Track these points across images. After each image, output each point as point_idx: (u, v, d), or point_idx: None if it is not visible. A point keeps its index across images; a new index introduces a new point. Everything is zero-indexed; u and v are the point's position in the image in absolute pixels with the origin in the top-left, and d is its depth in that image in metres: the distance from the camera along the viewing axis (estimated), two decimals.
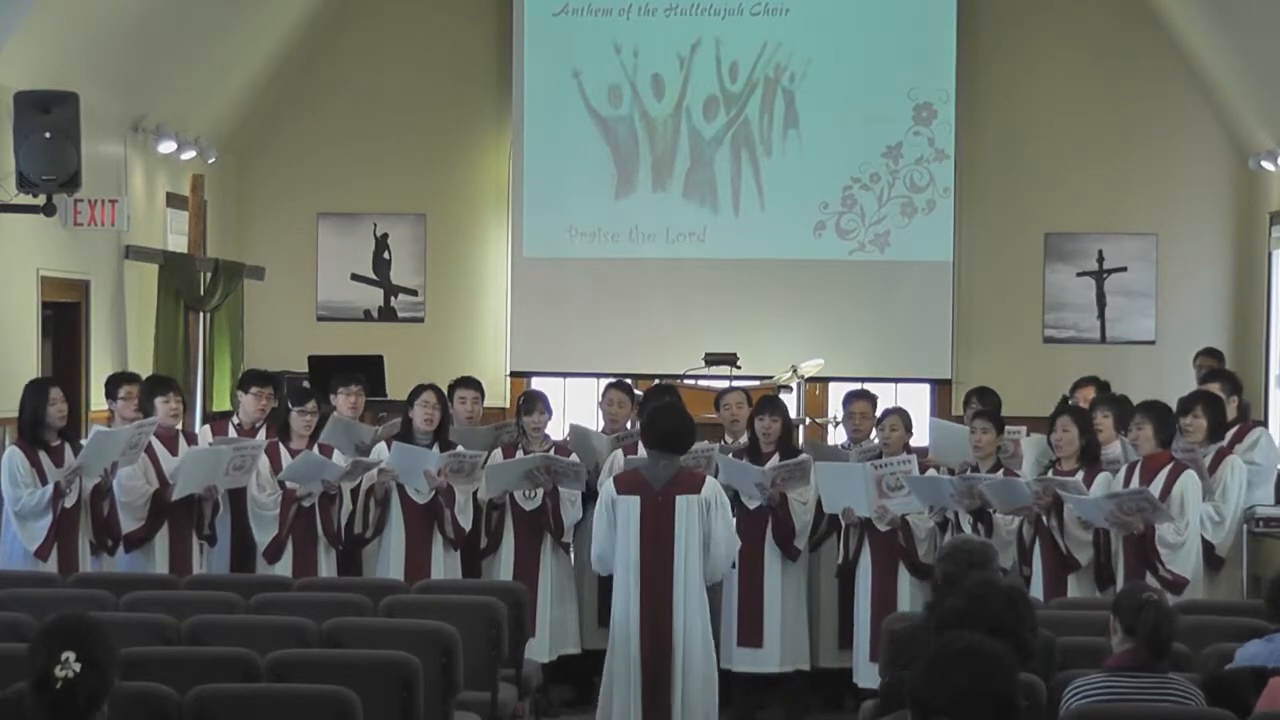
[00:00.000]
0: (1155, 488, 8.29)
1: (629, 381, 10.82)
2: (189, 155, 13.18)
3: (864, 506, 8.89)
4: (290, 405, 9.36)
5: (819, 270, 14.46)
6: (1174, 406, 8.90)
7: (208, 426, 10.35)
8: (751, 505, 9.12)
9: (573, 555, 9.53)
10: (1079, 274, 14.59)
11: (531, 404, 9.61)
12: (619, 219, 14.58)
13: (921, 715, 3.97)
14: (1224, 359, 12.12)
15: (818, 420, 13.36)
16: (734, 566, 8.54)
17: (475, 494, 9.30)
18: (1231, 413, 9.36)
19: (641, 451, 8.65)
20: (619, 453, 9.42)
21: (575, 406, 14.10)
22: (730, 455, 9.31)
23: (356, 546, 9.31)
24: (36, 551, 8.51)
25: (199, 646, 6.64)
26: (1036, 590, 8.39)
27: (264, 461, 9.12)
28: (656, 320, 14.45)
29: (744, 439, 9.67)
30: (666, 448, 7.90)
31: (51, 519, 8.52)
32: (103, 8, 11.18)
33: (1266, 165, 13.24)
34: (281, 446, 9.23)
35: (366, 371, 10.93)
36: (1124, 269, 14.55)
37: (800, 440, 10.96)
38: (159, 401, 9.20)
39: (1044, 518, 8.53)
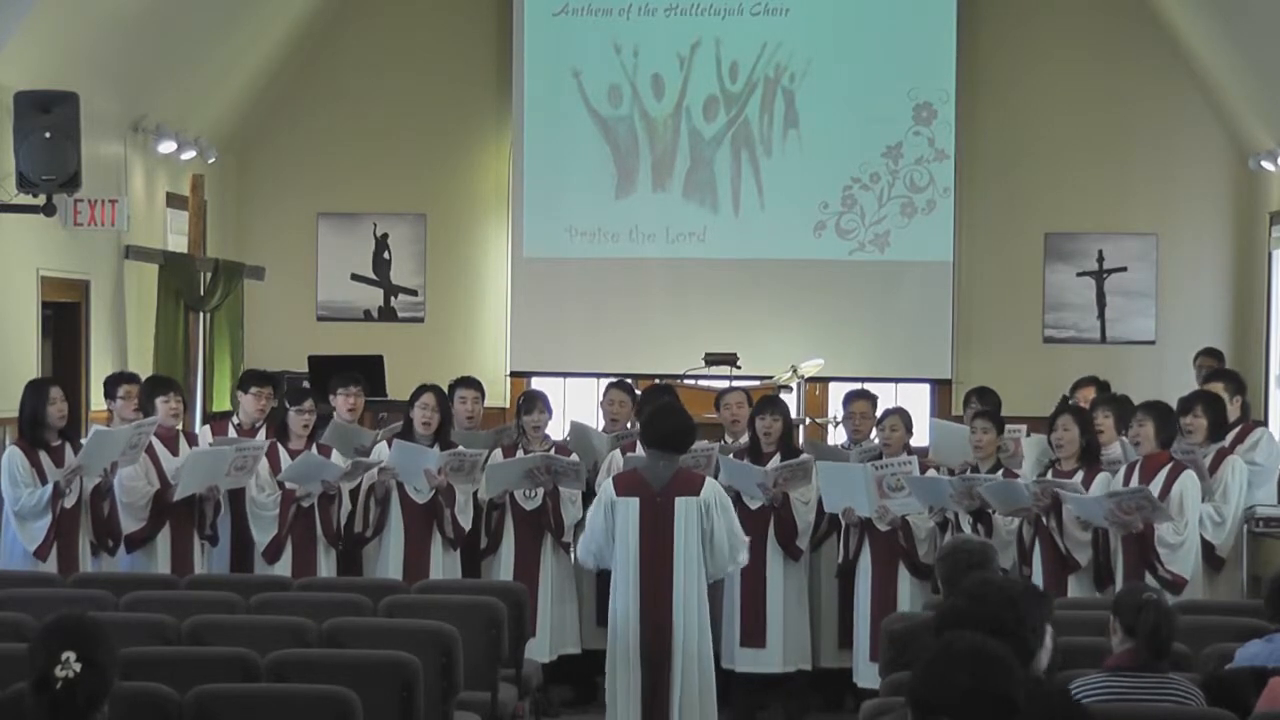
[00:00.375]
0: (1155, 488, 8.29)
1: (630, 381, 10.82)
2: (189, 155, 13.18)
3: (864, 506, 8.89)
4: (288, 405, 9.36)
5: (819, 270, 14.46)
6: (1174, 406, 8.90)
7: (208, 427, 10.35)
8: (754, 506, 9.12)
9: (573, 555, 9.53)
10: (1079, 274, 14.59)
11: (531, 404, 9.61)
12: (619, 219, 14.58)
13: (921, 715, 3.97)
14: (1224, 359, 12.13)
15: (818, 420, 13.37)
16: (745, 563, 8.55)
17: (475, 494, 9.30)
18: (1234, 413, 9.36)
19: (640, 450, 8.65)
20: (617, 452, 9.42)
21: (575, 406, 14.10)
22: (731, 455, 9.31)
23: (356, 546, 9.31)
24: (36, 551, 8.51)
25: (199, 646, 6.64)
26: None
27: (263, 462, 9.12)
28: (656, 320, 14.45)
29: (744, 439, 9.67)
30: (666, 448, 7.89)
31: (51, 519, 8.52)
32: (103, 8, 11.18)
33: (1266, 165, 13.24)
34: (280, 447, 9.23)
35: (366, 372, 10.93)
36: (1124, 269, 14.55)
37: (800, 440, 10.96)
38: (159, 401, 9.20)
39: (1043, 519, 8.53)
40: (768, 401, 9.63)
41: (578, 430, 9.89)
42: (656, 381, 11.89)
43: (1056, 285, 14.63)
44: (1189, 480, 8.39)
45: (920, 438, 9.87)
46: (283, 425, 9.33)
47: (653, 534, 7.76)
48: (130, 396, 9.18)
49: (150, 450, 8.98)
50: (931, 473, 9.05)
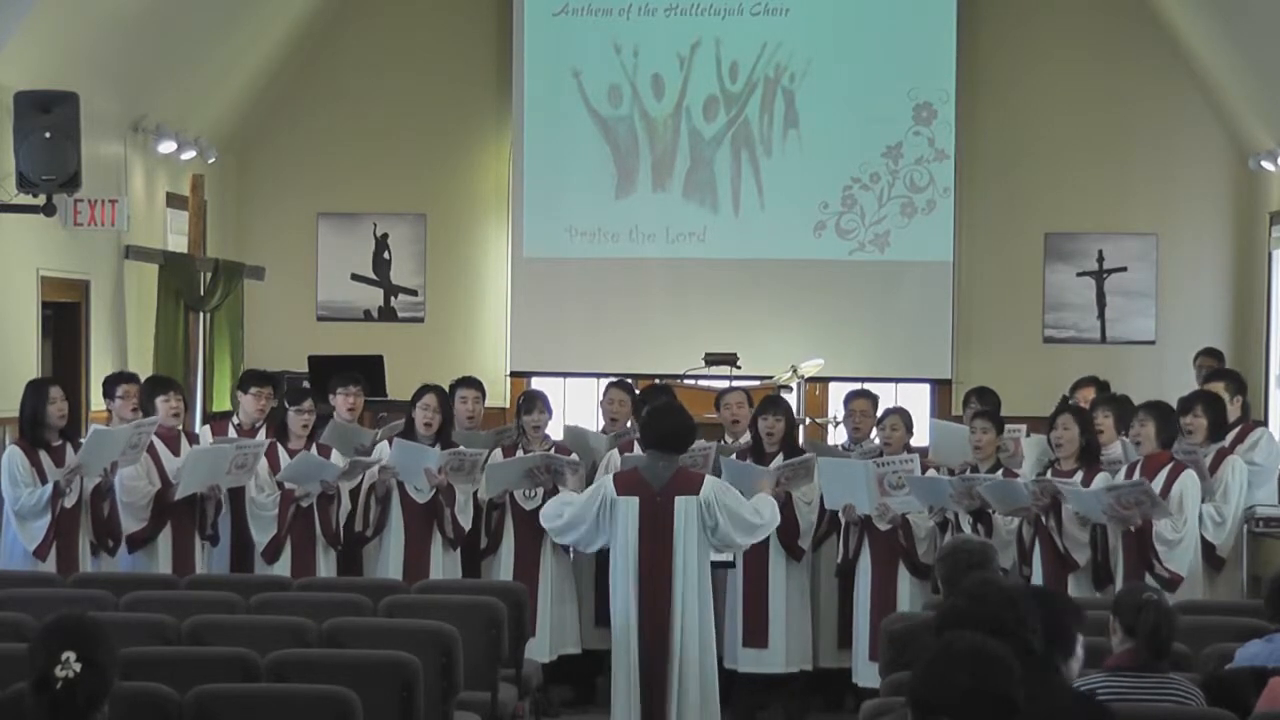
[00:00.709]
0: (1155, 487, 8.29)
1: (630, 381, 10.82)
2: (189, 155, 13.18)
3: (865, 504, 8.89)
4: (288, 405, 9.36)
5: (819, 270, 14.46)
6: (1174, 406, 8.90)
7: (208, 427, 10.35)
8: None
9: (572, 555, 9.53)
10: (1079, 274, 14.59)
11: (531, 403, 9.61)
12: (619, 219, 14.58)
13: (921, 715, 3.97)
14: (1224, 359, 12.12)
15: (818, 420, 13.37)
16: (731, 566, 8.54)
17: (475, 494, 9.30)
18: (1235, 413, 9.37)
19: (638, 450, 8.66)
20: (615, 451, 9.42)
21: (575, 406, 14.10)
22: (734, 456, 9.31)
23: (357, 545, 9.31)
24: (35, 551, 8.52)
25: (199, 646, 6.64)
26: None
27: (262, 462, 9.12)
28: (656, 320, 14.45)
29: (744, 439, 9.67)
30: (665, 448, 7.89)
31: (50, 518, 8.52)
32: (103, 8, 11.18)
33: (1266, 165, 13.24)
34: (280, 447, 9.23)
35: (366, 371, 10.93)
36: (1124, 269, 14.55)
37: (800, 441, 10.96)
38: (160, 401, 9.20)
39: (1042, 518, 8.53)
40: (771, 402, 9.63)
41: (573, 434, 9.89)
42: (656, 381, 11.89)
43: (1056, 285, 14.63)
44: (1189, 479, 8.39)
45: (920, 438, 9.86)
46: (282, 425, 9.34)
47: (652, 533, 7.76)
48: (129, 396, 9.18)
49: (151, 450, 8.98)
50: (931, 473, 9.05)
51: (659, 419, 8.05)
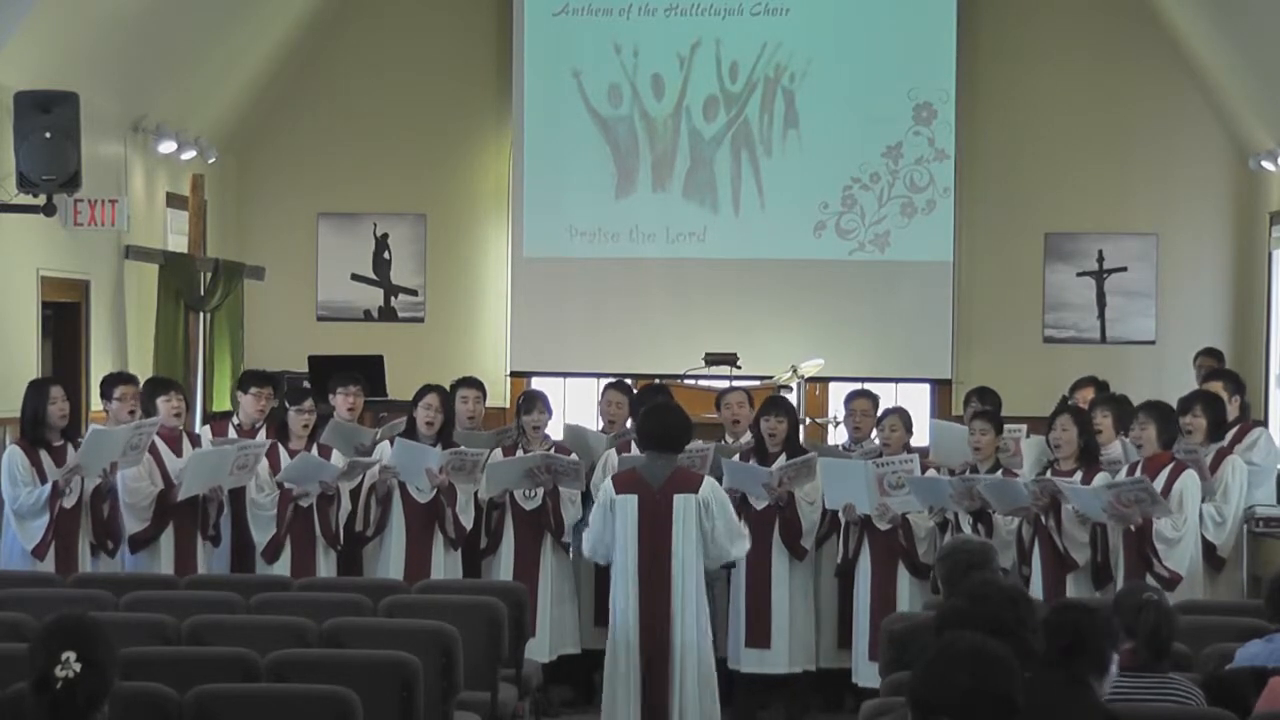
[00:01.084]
0: (1156, 487, 8.29)
1: (629, 382, 10.82)
2: (189, 155, 13.18)
3: (865, 504, 8.89)
4: (288, 405, 9.36)
5: (819, 270, 14.46)
6: (1175, 406, 8.90)
7: (208, 427, 10.35)
8: (759, 506, 9.11)
9: (572, 555, 9.53)
10: (1079, 274, 14.59)
11: (531, 403, 9.62)
12: (619, 219, 14.58)
13: (921, 715, 3.97)
14: (1224, 359, 12.12)
15: (818, 420, 13.37)
16: (734, 566, 8.53)
17: (475, 494, 9.30)
18: (1233, 412, 9.37)
19: (635, 450, 8.66)
20: (612, 451, 9.42)
21: (575, 406, 14.10)
22: (736, 456, 9.31)
23: (357, 545, 9.31)
24: (34, 550, 8.52)
25: (199, 646, 6.64)
26: (1036, 590, 8.39)
27: (262, 462, 9.12)
28: (656, 320, 14.45)
29: (744, 439, 9.67)
30: (662, 447, 7.90)
31: (49, 518, 8.52)
32: (103, 8, 11.18)
33: (1266, 165, 13.24)
34: (280, 447, 9.23)
35: (366, 371, 10.92)
36: (1124, 269, 14.55)
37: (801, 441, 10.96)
38: (161, 401, 9.19)
39: (1042, 518, 8.53)
40: (773, 403, 9.63)
41: (573, 432, 9.89)
42: (655, 381, 11.89)
43: (1056, 285, 14.63)
44: (1190, 479, 8.39)
45: (920, 438, 9.86)
46: (283, 425, 9.33)
47: (651, 531, 7.77)
48: (126, 398, 9.15)
49: (153, 450, 8.97)
50: (931, 473, 9.05)
51: (654, 418, 8.07)
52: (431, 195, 14.94)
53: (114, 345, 12.11)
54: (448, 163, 14.91)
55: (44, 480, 8.56)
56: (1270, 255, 13.59)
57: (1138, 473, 8.48)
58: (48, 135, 9.34)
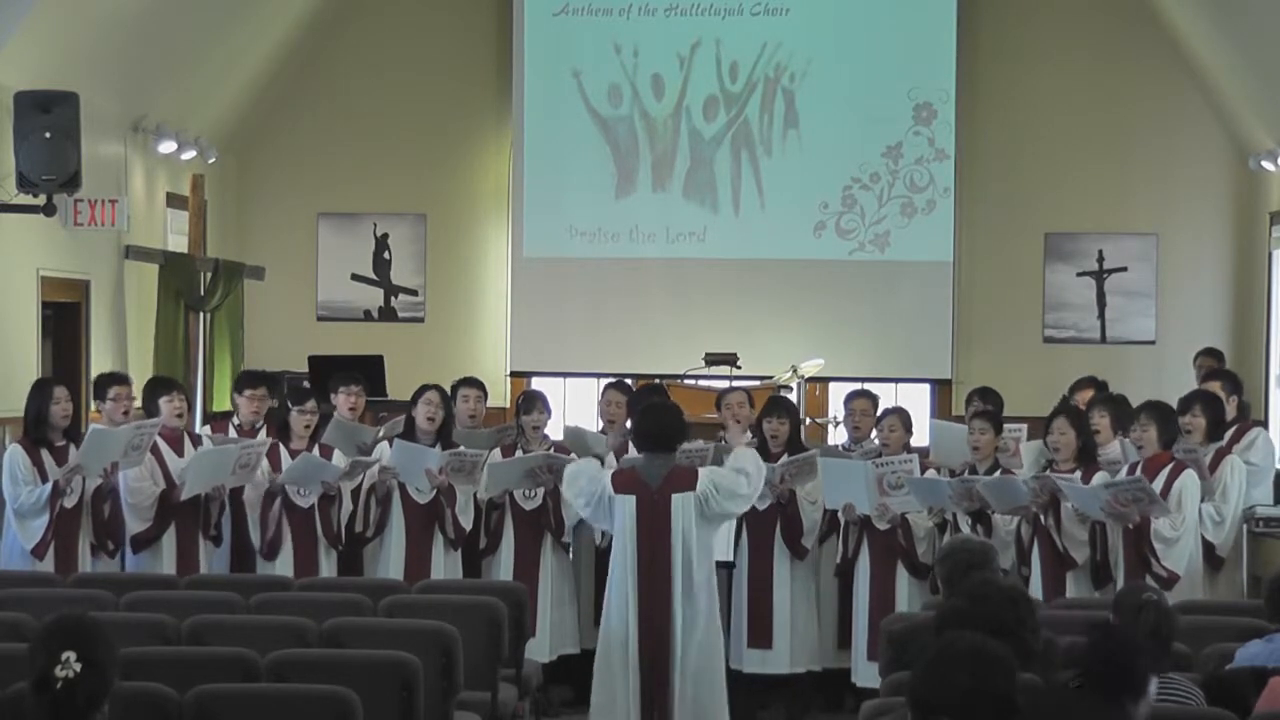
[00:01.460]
0: (1156, 487, 8.29)
1: (629, 382, 10.82)
2: (189, 155, 13.18)
3: (864, 504, 8.89)
4: (290, 405, 9.36)
5: (819, 270, 14.46)
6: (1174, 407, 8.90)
7: (208, 427, 10.35)
8: (762, 506, 9.11)
9: (572, 555, 9.53)
10: (1079, 274, 14.59)
11: (530, 403, 9.62)
12: (619, 219, 14.58)
13: (921, 715, 3.98)
14: (1224, 359, 12.12)
15: (818, 420, 13.36)
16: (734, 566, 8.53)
17: (475, 494, 9.30)
18: (1231, 412, 9.37)
19: (633, 453, 8.66)
20: (611, 456, 9.41)
21: (575, 406, 14.10)
22: None
23: (357, 546, 9.31)
24: (34, 550, 8.52)
25: (199, 646, 6.64)
26: (1036, 590, 8.39)
27: (263, 462, 9.12)
28: (656, 320, 14.45)
29: (745, 439, 9.66)
30: (657, 448, 7.90)
31: (49, 517, 8.52)
32: (103, 8, 11.18)
33: (1266, 165, 13.24)
34: (282, 447, 9.22)
35: (366, 372, 10.92)
36: (1124, 269, 14.55)
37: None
38: (163, 402, 9.18)
39: (1041, 516, 8.53)
40: (775, 404, 9.63)
41: (573, 434, 9.88)
42: (655, 381, 11.88)
43: (1056, 285, 14.63)
44: (1189, 479, 8.39)
45: (920, 438, 9.86)
46: (284, 425, 9.33)
47: (650, 531, 7.76)
48: (120, 398, 9.14)
49: (155, 451, 8.97)
50: (931, 473, 9.04)
51: (649, 418, 8.08)
52: (431, 195, 14.94)
53: (114, 345, 12.11)
54: (448, 163, 14.91)
55: (45, 480, 8.56)
56: (1270, 255, 13.59)
57: (1137, 473, 8.48)
58: (48, 135, 9.34)
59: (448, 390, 9.59)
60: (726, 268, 14.48)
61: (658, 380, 12.09)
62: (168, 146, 12.81)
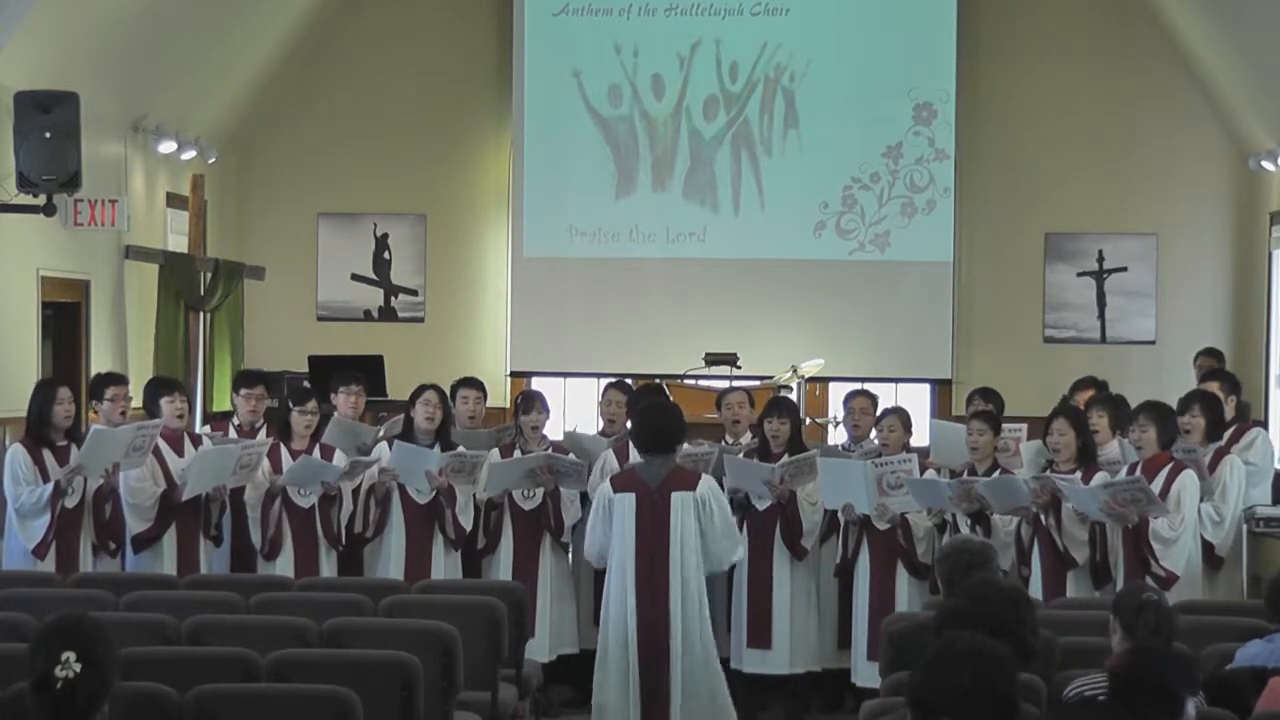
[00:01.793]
0: (1155, 487, 8.28)
1: (629, 382, 10.82)
2: (189, 155, 13.19)
3: (864, 504, 8.89)
4: (291, 405, 9.36)
5: (819, 270, 14.46)
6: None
7: (208, 426, 10.34)
8: (762, 506, 9.11)
9: (571, 555, 9.53)
10: (1079, 274, 14.60)
11: (529, 403, 9.61)
12: (619, 219, 14.59)
13: (921, 715, 3.98)
14: (1224, 359, 12.11)
15: (818, 420, 13.36)
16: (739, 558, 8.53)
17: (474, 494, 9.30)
18: (1229, 412, 9.37)
19: (633, 453, 8.65)
20: (610, 452, 9.41)
21: (575, 406, 14.10)
22: (740, 455, 9.30)
23: (357, 546, 9.31)
24: (35, 550, 8.52)
25: (199, 646, 6.63)
26: (1036, 590, 8.38)
27: (264, 462, 9.11)
28: (656, 320, 14.46)
29: (745, 439, 9.67)
30: (656, 449, 7.90)
31: (50, 517, 8.52)
32: (103, 8, 11.18)
33: (1266, 165, 13.24)
34: (283, 447, 9.22)
35: (367, 371, 10.92)
36: (1124, 269, 14.55)
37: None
38: (164, 402, 9.18)
39: (1042, 516, 8.52)
40: (777, 404, 9.62)
41: (571, 440, 9.88)
42: (655, 381, 11.89)
43: (1056, 285, 14.63)
44: (1188, 479, 8.38)
45: (920, 438, 9.86)
46: (285, 425, 9.32)
47: (649, 529, 7.76)
48: (118, 399, 9.14)
49: (156, 451, 8.96)
50: (930, 473, 9.04)
51: (645, 420, 8.10)
52: (431, 195, 14.94)
53: (114, 345, 12.11)
54: (448, 163, 14.92)
55: (47, 480, 8.56)
56: (1270, 255, 13.59)
57: (1136, 473, 8.48)
58: (48, 135, 9.34)
59: (446, 390, 9.59)
60: (726, 268, 14.48)
61: (658, 380, 12.08)
62: (168, 146, 12.81)
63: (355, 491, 9.21)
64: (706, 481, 7.91)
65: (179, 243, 13.01)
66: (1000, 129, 14.57)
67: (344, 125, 14.89)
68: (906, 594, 8.92)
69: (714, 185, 14.56)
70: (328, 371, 11.05)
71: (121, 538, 8.92)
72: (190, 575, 8.46)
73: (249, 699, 5.88)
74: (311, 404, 9.35)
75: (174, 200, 13.20)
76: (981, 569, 5.87)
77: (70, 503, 8.61)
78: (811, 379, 13.12)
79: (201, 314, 12.97)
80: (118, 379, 9.40)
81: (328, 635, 6.74)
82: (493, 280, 14.92)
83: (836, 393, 13.05)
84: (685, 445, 8.74)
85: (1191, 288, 14.52)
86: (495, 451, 9.51)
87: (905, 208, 14.42)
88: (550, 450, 9.42)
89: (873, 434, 9.63)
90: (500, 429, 10.05)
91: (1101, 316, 14.58)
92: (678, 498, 7.78)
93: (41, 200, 9.63)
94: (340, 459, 9.20)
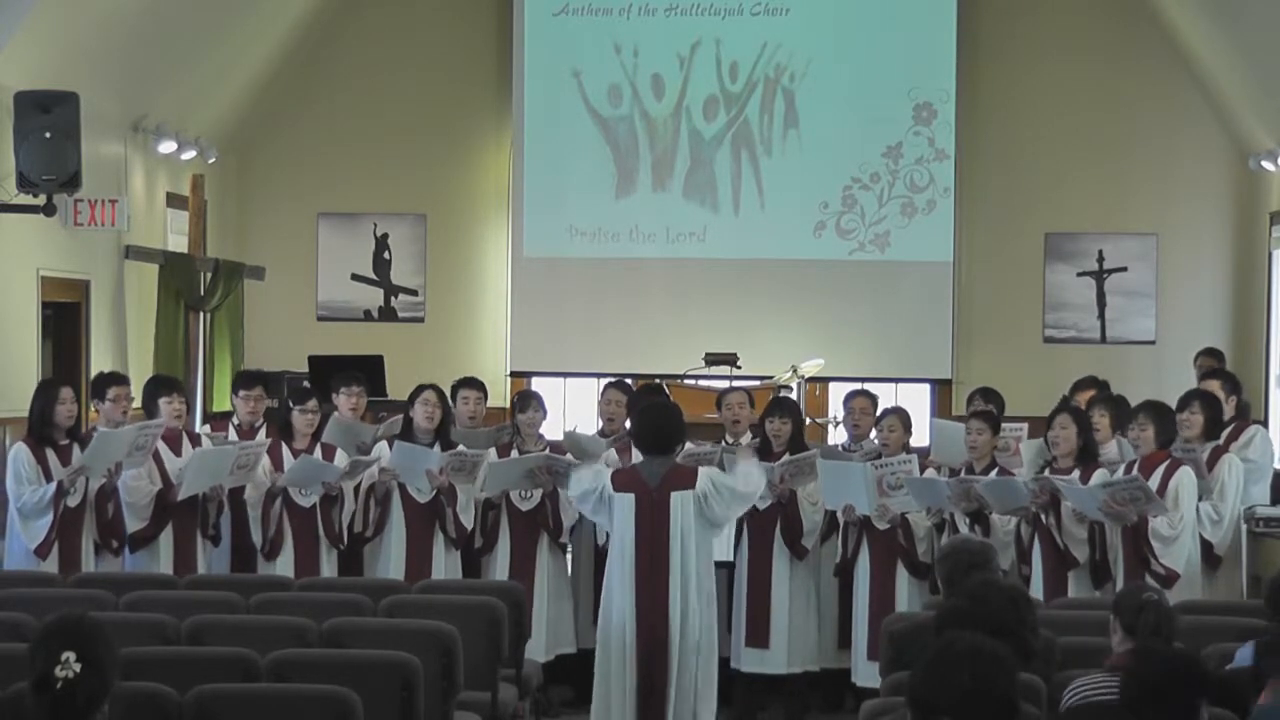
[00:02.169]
0: (1152, 484, 8.28)
1: (629, 381, 10.82)
2: (189, 155, 13.19)
3: (864, 504, 8.89)
4: (292, 404, 9.36)
5: (819, 270, 14.46)
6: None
7: (207, 426, 10.34)
8: (763, 506, 9.11)
9: (569, 555, 9.53)
10: (1079, 274, 14.60)
11: (526, 402, 9.62)
12: (619, 219, 14.59)
13: (921, 715, 3.98)
14: (1224, 359, 12.12)
15: (818, 420, 13.36)
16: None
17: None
18: (1229, 412, 9.36)
19: (635, 454, 8.65)
20: (612, 451, 9.41)
21: (575, 406, 14.10)
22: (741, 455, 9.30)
23: (357, 545, 9.31)
24: (37, 550, 8.51)
25: (199, 646, 6.63)
26: (1036, 590, 8.38)
27: (265, 461, 9.12)
28: (656, 320, 14.46)
29: (745, 438, 9.67)
30: (655, 449, 7.90)
31: (53, 517, 8.52)
32: (103, 8, 11.18)
33: (1266, 165, 13.24)
34: (284, 446, 9.22)
35: (367, 371, 10.92)
36: (1124, 269, 14.55)
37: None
38: (163, 402, 9.18)
39: (1042, 516, 8.52)
40: (778, 404, 9.63)
41: (571, 441, 9.87)
42: (655, 381, 11.89)
43: (1056, 285, 14.64)
44: (1186, 476, 8.38)
45: (920, 438, 9.86)
46: (286, 425, 9.32)
47: (649, 529, 7.75)
48: (120, 399, 9.13)
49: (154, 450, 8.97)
50: (930, 473, 9.04)
51: (644, 421, 8.09)
52: (431, 195, 14.94)
53: (114, 345, 12.11)
54: (448, 163, 14.92)
55: (49, 479, 8.56)
56: (1270, 255, 13.60)
57: (1134, 471, 8.48)
58: (48, 135, 9.34)
59: (446, 391, 9.59)
60: (726, 268, 14.49)
61: (658, 380, 12.08)
62: (168, 146, 12.81)
63: (355, 490, 9.21)
64: (705, 474, 7.89)
65: (179, 243, 13.02)
66: (1000, 129, 14.58)
67: (344, 125, 14.89)
68: (906, 594, 8.92)
69: (714, 185, 14.57)
70: (328, 371, 11.05)
71: (124, 536, 8.92)
72: (189, 575, 8.46)
73: (249, 699, 5.88)
74: (313, 403, 9.34)
75: (174, 200, 13.20)
76: (981, 569, 5.88)
77: (73, 502, 8.61)
78: (811, 379, 13.12)
79: (201, 314, 12.97)
80: (119, 379, 9.40)
81: (328, 635, 6.74)
82: (493, 280, 14.92)
83: (836, 393, 13.05)
84: (687, 445, 8.74)
85: (1191, 288, 14.52)
86: (493, 451, 9.51)
87: (905, 208, 14.42)
88: (548, 450, 9.42)
89: (873, 434, 9.63)
90: (498, 428, 10.05)
91: (1101, 316, 14.58)
92: (677, 497, 7.78)
93: (41, 200, 9.63)
94: (341, 458, 9.20)
